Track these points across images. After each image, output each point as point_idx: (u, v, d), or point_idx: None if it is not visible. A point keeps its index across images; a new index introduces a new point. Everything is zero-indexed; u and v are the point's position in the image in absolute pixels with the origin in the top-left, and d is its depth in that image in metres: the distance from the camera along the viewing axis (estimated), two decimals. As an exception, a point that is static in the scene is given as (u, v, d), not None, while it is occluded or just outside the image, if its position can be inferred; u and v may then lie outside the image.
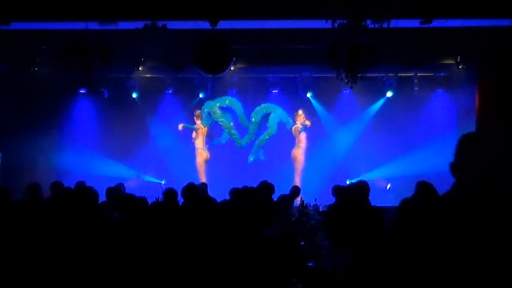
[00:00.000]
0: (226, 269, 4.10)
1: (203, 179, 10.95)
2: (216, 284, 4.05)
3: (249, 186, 6.84)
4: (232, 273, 4.07)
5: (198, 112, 11.51)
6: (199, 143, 11.49)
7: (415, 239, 3.73)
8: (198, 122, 11.51)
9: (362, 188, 5.62)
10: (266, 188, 7.04)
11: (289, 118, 11.41)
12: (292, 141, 11.43)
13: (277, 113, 11.43)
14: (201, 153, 11.48)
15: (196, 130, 11.49)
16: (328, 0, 6.44)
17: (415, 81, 11.00)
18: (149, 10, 7.71)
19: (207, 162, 11.51)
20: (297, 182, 10.75)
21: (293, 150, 11.37)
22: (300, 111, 11.33)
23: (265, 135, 11.44)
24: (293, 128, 11.37)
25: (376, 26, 6.56)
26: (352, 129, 11.63)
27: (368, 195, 5.59)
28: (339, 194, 6.55)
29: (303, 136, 11.34)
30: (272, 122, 11.40)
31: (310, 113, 11.57)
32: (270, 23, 8.36)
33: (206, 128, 11.56)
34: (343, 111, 11.62)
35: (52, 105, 11.07)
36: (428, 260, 3.54)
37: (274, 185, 7.18)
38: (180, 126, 11.42)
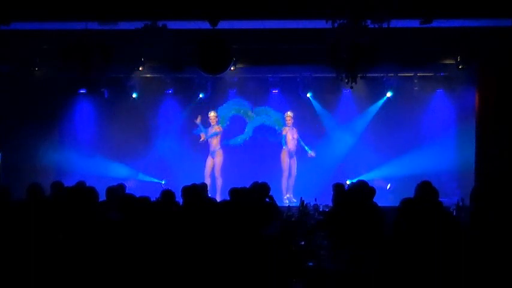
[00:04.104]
0: (226, 269, 4.10)
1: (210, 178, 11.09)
2: (216, 284, 4.05)
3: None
4: (233, 273, 4.07)
5: (214, 114, 11.38)
6: (218, 144, 11.43)
7: (415, 239, 3.73)
8: (215, 123, 11.38)
9: (362, 187, 5.62)
10: (261, 188, 6.97)
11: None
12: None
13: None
14: (221, 153, 11.42)
15: (217, 132, 11.38)
16: (328, 0, 6.44)
17: (415, 81, 10.99)
18: (149, 10, 7.70)
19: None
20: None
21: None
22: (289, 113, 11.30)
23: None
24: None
25: (376, 26, 6.56)
26: (352, 129, 11.63)
27: (369, 195, 5.59)
28: (338, 192, 6.47)
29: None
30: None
31: (310, 113, 11.57)
32: (270, 23, 8.34)
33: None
34: (343, 111, 11.62)
35: (52, 105, 11.05)
36: (428, 260, 3.54)
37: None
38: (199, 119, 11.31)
